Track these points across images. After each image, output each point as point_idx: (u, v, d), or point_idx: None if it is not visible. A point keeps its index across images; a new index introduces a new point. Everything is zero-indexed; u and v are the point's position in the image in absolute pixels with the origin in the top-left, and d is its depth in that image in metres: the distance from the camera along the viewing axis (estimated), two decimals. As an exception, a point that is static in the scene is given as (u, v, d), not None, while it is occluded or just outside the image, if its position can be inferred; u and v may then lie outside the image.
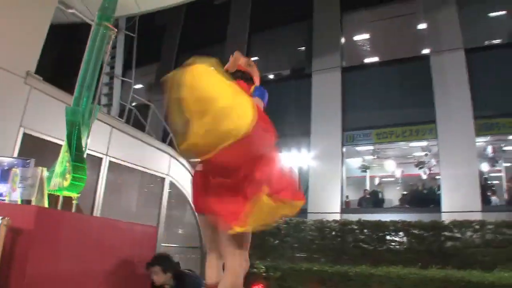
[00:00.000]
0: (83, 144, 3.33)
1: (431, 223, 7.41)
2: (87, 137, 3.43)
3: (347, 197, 11.53)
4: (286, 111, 11.95)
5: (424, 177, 11.82)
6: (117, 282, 3.08)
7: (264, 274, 7.06)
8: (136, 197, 7.21)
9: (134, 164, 6.57)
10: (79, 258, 2.83)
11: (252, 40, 13.77)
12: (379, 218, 7.81)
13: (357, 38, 13.04)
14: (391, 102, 10.99)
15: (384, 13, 12.11)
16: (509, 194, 9.79)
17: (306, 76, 12.45)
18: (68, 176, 3.09)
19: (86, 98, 3.44)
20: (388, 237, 7.47)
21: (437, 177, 10.62)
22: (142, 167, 6.77)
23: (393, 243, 7.44)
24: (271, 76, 13.58)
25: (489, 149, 10.72)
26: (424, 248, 7.09)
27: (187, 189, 7.64)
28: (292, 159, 11.06)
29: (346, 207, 11.09)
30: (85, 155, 3.33)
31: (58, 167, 3.20)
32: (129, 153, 6.48)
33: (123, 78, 10.31)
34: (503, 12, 10.90)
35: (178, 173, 7.69)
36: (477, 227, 6.96)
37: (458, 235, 7.00)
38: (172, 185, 7.51)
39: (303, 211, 10.59)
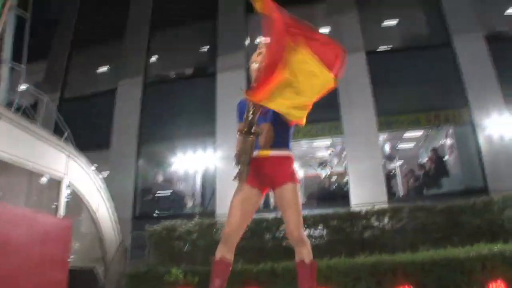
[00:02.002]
0: None
1: (348, 213, 7.40)
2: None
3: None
4: (190, 110, 11.43)
5: (323, 176, 12.00)
6: None
7: (183, 279, 6.38)
8: (23, 201, 6.04)
9: (23, 160, 5.44)
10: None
11: (153, 37, 12.94)
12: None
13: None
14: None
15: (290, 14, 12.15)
16: (407, 187, 10.39)
17: (210, 75, 11.98)
18: None
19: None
20: (307, 231, 7.25)
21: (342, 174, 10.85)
22: (32, 164, 5.65)
23: (313, 237, 7.25)
24: (173, 75, 12.87)
25: (387, 146, 11.33)
26: (344, 238, 7.02)
27: (85, 193, 6.64)
28: (197, 161, 10.52)
29: (256, 206, 10.73)
30: None
31: None
32: (17, 148, 5.36)
33: (14, 64, 8.83)
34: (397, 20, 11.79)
35: (76, 175, 6.66)
36: (391, 214, 7.11)
37: (376, 223, 7.07)
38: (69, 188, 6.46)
39: (211, 214, 10.04)
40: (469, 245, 5.73)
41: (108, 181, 10.16)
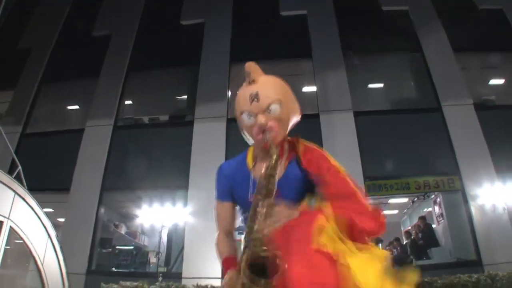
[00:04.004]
0: None
1: None
2: None
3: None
4: (162, 160, 10.59)
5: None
6: None
7: None
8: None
9: None
10: None
11: (129, 78, 12.27)
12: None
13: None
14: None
15: (276, 68, 11.89)
16: (393, 257, 9.60)
17: (187, 123, 11.25)
18: None
19: None
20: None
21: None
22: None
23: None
24: (147, 121, 12.09)
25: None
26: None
27: (32, 240, 5.60)
28: (166, 215, 9.56)
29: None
30: None
31: None
32: None
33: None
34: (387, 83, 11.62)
35: (23, 218, 5.65)
36: None
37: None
38: (13, 233, 5.43)
39: (177, 276, 9.00)
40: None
41: (63, 228, 9.18)
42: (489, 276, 6.24)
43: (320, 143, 9.99)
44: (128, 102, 12.46)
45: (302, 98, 11.67)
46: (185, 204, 9.83)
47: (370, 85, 12.20)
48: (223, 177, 1.98)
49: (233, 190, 1.94)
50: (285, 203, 1.59)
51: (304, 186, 1.78)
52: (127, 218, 10.81)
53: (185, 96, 12.67)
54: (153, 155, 10.61)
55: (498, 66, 12.04)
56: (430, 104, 10.66)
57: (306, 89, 12.18)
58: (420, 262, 9.14)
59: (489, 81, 12.08)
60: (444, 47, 11.49)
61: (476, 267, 8.14)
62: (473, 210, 9.11)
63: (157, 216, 9.57)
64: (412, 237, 9.98)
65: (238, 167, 1.95)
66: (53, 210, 11.06)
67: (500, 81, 12.12)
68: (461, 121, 10.21)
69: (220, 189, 1.99)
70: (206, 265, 9.25)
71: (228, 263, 1.78)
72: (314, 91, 11.49)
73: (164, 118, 12.13)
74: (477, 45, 11.61)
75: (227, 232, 1.99)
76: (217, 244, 1.96)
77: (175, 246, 10.25)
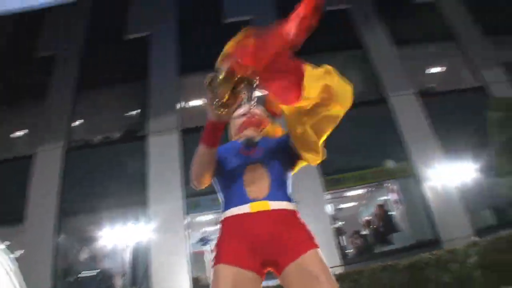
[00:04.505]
0: None
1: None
2: None
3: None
4: (119, 178, 10.36)
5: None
6: None
7: None
8: None
9: None
10: None
11: (77, 99, 11.94)
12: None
13: (197, 101, 12.59)
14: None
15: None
16: (357, 247, 9.91)
17: (140, 138, 11.08)
18: None
19: None
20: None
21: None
22: None
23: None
24: (99, 140, 11.76)
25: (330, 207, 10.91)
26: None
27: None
28: (128, 234, 9.31)
29: (194, 284, 9.56)
30: None
31: None
32: None
33: None
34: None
35: None
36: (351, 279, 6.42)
37: None
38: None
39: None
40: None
41: (21, 262, 8.57)
42: (448, 251, 6.51)
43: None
44: (78, 122, 12.10)
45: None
46: (147, 221, 9.67)
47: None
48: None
49: (220, 148, 2.03)
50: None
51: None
52: (90, 242, 10.42)
53: (137, 111, 12.45)
54: (109, 174, 10.38)
55: (436, 56, 12.70)
56: (377, 96, 11.08)
57: (254, 94, 12.27)
58: (383, 249, 9.45)
59: (428, 70, 12.75)
60: (384, 42, 12.01)
61: (436, 245, 8.60)
62: (427, 192, 9.61)
63: (120, 236, 9.32)
64: (373, 226, 10.28)
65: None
66: (9, 243, 10.51)
67: (438, 69, 12.82)
68: (407, 110, 10.72)
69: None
70: (175, 278, 9.18)
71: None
72: (262, 95, 11.60)
73: (116, 135, 11.89)
74: (415, 37, 12.20)
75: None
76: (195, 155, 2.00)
77: (142, 265, 10.02)
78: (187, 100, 12.50)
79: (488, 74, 11.52)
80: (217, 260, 1.81)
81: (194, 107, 12.72)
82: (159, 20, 12.96)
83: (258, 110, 2.25)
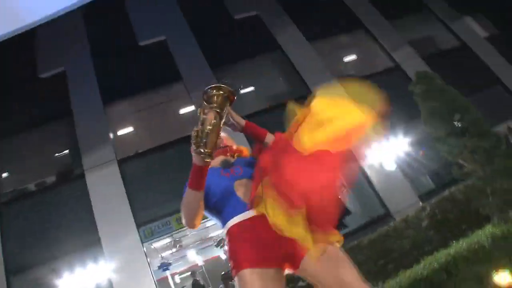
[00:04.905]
0: None
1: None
2: None
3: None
4: (64, 222, 9.87)
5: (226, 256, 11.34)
6: None
7: None
8: None
9: None
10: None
11: (1, 147, 11.25)
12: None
13: (128, 128, 12.41)
14: (181, 183, 10.30)
15: (151, 99, 12.02)
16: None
17: (78, 177, 10.69)
18: None
19: None
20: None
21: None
22: None
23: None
24: (33, 188, 11.14)
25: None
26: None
27: None
28: (87, 276, 8.90)
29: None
30: None
31: None
32: None
33: None
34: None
35: None
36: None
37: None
38: None
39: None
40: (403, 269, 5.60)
41: None
42: (402, 221, 7.04)
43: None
44: (5, 174, 11.43)
45: (183, 121, 11.95)
46: (106, 258, 9.30)
47: (242, 92, 12.72)
48: None
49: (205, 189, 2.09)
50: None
51: None
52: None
53: (68, 150, 11.97)
54: (52, 220, 9.87)
55: (349, 45, 13.53)
56: (301, 92, 11.48)
57: (184, 110, 12.44)
58: (341, 233, 9.82)
59: (345, 59, 13.51)
60: (299, 40, 12.56)
61: (387, 218, 9.35)
62: (368, 171, 10.22)
63: (79, 281, 8.92)
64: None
65: None
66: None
67: (354, 57, 13.65)
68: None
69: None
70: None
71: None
72: (192, 111, 11.77)
73: (51, 179, 11.33)
74: (326, 31, 12.91)
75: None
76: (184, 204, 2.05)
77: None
78: (117, 129, 12.25)
79: (397, 54, 12.46)
80: (239, 266, 1.89)
81: (126, 134, 12.49)
82: (73, 52, 12.50)
83: (224, 135, 2.40)
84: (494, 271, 3.78)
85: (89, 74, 12.15)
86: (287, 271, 1.99)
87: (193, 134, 1.82)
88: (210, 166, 2.05)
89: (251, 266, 1.86)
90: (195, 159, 1.90)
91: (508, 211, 5.53)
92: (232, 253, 1.98)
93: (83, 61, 12.38)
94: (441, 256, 5.15)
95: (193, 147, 1.84)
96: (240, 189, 2.06)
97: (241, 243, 1.95)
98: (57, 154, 12.14)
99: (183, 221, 2.07)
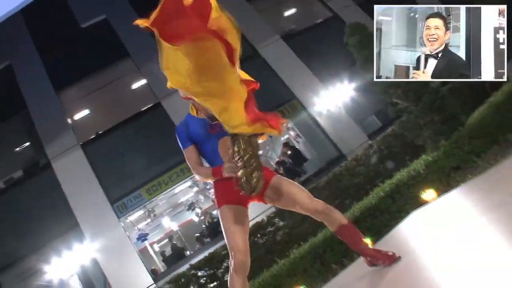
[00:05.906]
0: None
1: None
2: None
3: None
4: (40, 214, 10.08)
5: (198, 218, 11.95)
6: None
7: None
8: None
9: None
10: None
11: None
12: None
13: (84, 111, 12.53)
14: (145, 155, 10.76)
15: (101, 79, 12.10)
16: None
17: (44, 168, 10.90)
18: None
19: None
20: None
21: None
22: None
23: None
24: (2, 185, 11.23)
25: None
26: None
27: None
28: (73, 260, 9.38)
29: (154, 276, 10.02)
30: None
31: None
32: None
33: None
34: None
35: None
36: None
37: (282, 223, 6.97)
38: None
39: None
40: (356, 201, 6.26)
41: None
42: (353, 160, 7.83)
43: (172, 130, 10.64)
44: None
45: (137, 95, 12.14)
46: (89, 241, 9.70)
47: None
48: (181, 131, 2.70)
49: (191, 134, 2.66)
50: None
51: None
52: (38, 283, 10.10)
53: (29, 143, 12.05)
54: (28, 213, 10.11)
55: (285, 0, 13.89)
56: (248, 52, 11.79)
57: (137, 85, 12.65)
58: (301, 179, 10.57)
59: (284, 14, 13.89)
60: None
61: (341, 159, 10.06)
62: (318, 119, 10.94)
63: (65, 266, 9.34)
64: (286, 165, 11.31)
65: (188, 120, 2.73)
66: None
67: (293, 11, 14.02)
68: (278, 55, 11.73)
69: (182, 140, 2.69)
70: (135, 281, 9.48)
71: (217, 168, 2.53)
72: (145, 83, 12.02)
73: (18, 174, 11.45)
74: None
75: (199, 164, 2.68)
76: (198, 172, 2.67)
77: (98, 284, 10.09)
78: (73, 114, 12.37)
79: (334, 3, 12.91)
80: (219, 203, 2.60)
81: (84, 118, 12.66)
82: (17, 45, 12.29)
83: None
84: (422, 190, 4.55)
85: (36, 65, 12.02)
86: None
87: (235, 157, 2.38)
88: (197, 116, 2.67)
89: (227, 203, 2.56)
90: (227, 173, 2.44)
91: (440, 140, 6.27)
92: (216, 195, 2.68)
93: (28, 53, 12.16)
94: (386, 185, 5.85)
95: (238, 185, 2.37)
96: (223, 149, 2.60)
97: (221, 189, 2.62)
98: (19, 149, 12.15)
99: (197, 177, 2.80)
